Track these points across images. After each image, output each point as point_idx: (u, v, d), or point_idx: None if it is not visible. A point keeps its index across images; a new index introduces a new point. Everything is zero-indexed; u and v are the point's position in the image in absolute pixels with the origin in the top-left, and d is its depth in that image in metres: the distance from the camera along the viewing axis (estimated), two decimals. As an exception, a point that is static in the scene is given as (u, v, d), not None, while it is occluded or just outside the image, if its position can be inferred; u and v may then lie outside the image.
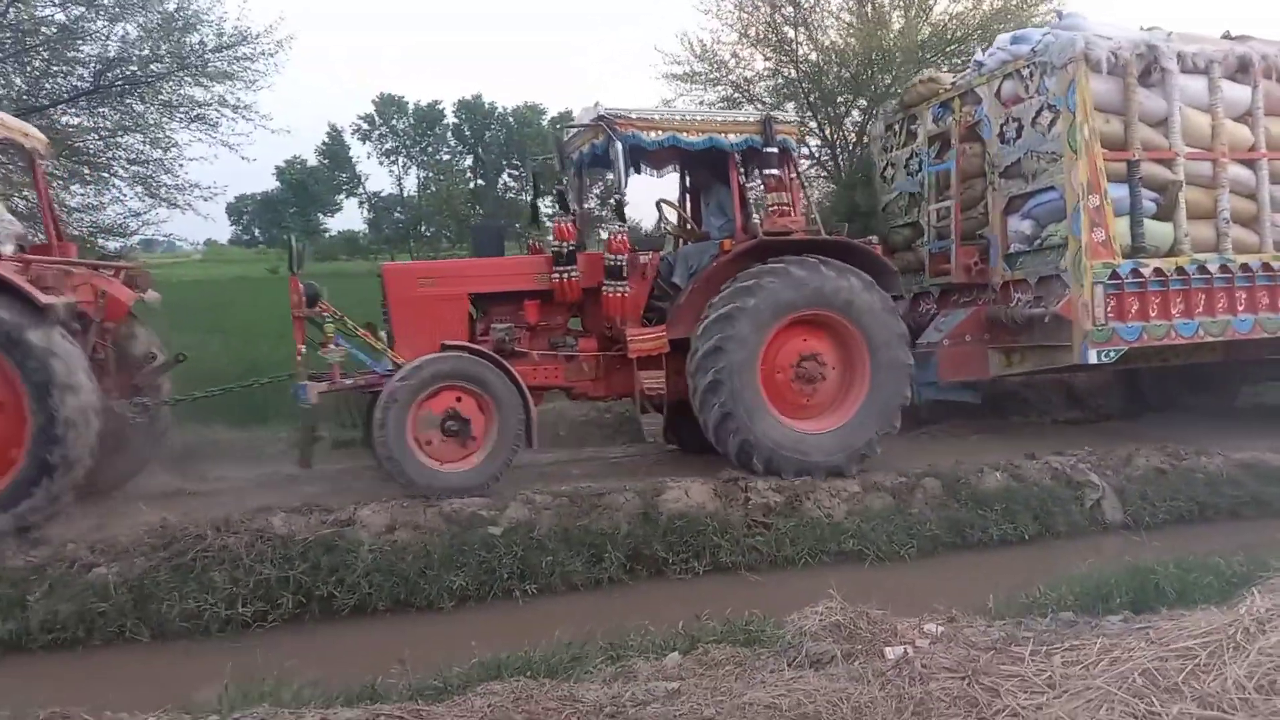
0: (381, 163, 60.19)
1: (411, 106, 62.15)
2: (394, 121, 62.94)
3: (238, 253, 59.07)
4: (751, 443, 7.09)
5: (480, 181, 58.97)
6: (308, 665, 4.65)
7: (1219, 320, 8.28)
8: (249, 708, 3.80)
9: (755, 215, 7.48)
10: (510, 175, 59.03)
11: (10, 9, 9.90)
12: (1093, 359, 7.88)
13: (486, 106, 61.40)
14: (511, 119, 60.39)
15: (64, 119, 11.10)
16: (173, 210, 11.26)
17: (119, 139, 10.88)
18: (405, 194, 58.81)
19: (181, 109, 10.89)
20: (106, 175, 11.01)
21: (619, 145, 7.06)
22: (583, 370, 7.52)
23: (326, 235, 59.31)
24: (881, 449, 7.52)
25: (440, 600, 5.82)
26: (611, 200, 7.24)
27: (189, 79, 10.53)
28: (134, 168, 11.06)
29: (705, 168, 7.93)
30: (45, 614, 5.33)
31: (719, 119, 7.45)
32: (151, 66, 10.31)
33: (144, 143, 10.88)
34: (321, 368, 7.11)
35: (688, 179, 8.62)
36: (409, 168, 61.91)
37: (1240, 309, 8.36)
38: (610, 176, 7.57)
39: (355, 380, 7.06)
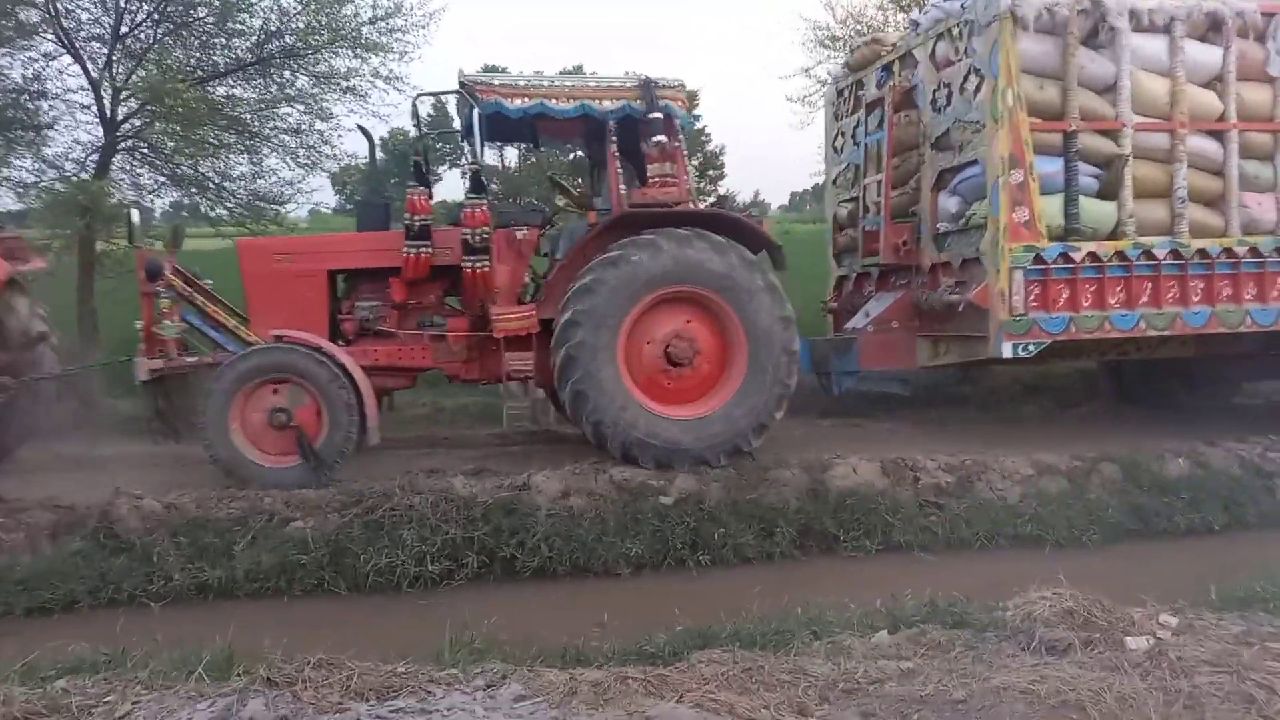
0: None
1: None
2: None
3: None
4: (607, 426, 6.61)
5: (580, 153, 59.34)
6: (502, 625, 4.77)
7: (1165, 313, 7.26)
8: (475, 663, 3.89)
9: (623, 188, 6.93)
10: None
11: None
12: (1007, 353, 7.05)
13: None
14: (613, 90, 60.40)
15: (219, 90, 11.54)
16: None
17: (276, 110, 11.22)
18: (505, 165, 59.61)
19: (334, 80, 11.17)
20: (266, 147, 11.40)
21: (476, 113, 6.73)
22: (452, 351, 7.06)
23: (429, 205, 60.40)
24: (759, 442, 6.85)
25: (617, 566, 5.90)
26: (468, 171, 6.84)
27: (346, 49, 10.80)
28: (285, 137, 11.39)
29: (629, 135, 7.19)
30: (250, 564, 5.61)
31: (591, 85, 6.98)
32: (310, 39, 10.61)
33: (304, 113, 11.21)
34: (206, 345, 6.96)
35: (593, 151, 8.00)
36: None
37: (1195, 300, 7.31)
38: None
39: (200, 359, 6.78)
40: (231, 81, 11.58)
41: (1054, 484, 6.71)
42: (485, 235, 6.79)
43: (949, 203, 7.70)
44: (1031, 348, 7.10)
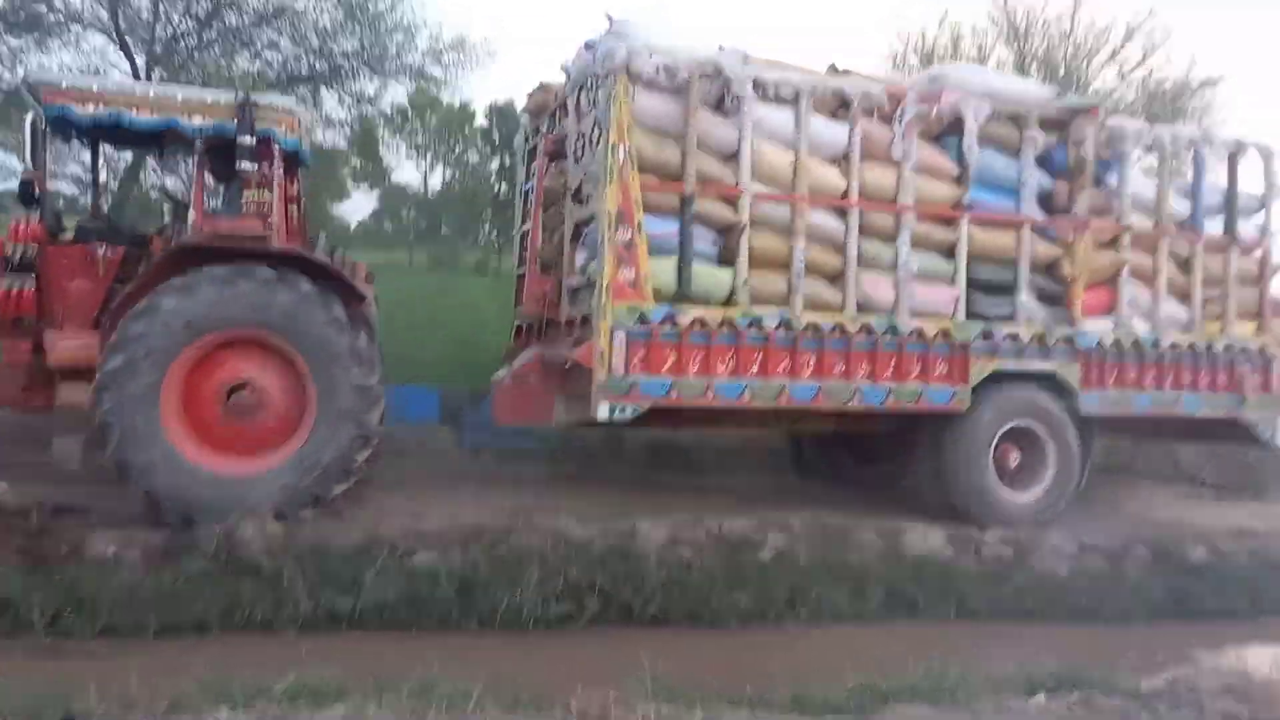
0: (409, 157, 59.99)
1: (444, 105, 62.72)
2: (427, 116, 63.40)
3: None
4: (156, 492, 6.12)
5: (504, 185, 59.40)
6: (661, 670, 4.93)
7: (771, 384, 7.11)
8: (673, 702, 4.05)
9: (191, 213, 6.54)
10: (534, 182, 59.38)
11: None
12: (603, 414, 6.72)
13: (518, 113, 61.49)
14: (541, 126, 60.78)
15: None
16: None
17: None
18: (428, 192, 58.98)
19: (369, 103, 11.20)
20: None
21: (31, 118, 6.30)
22: (12, 375, 6.45)
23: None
24: (343, 488, 6.52)
25: (726, 619, 6.15)
26: (18, 182, 6.38)
27: (404, 78, 10.86)
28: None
29: (224, 157, 6.65)
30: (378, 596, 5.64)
31: (180, 97, 6.54)
32: (363, 63, 10.63)
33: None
34: None
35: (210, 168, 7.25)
36: (435, 165, 62.13)
37: (805, 374, 7.22)
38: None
39: None
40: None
41: (1094, 562, 7.35)
42: (28, 252, 6.35)
43: (579, 257, 7.44)
44: (630, 410, 6.81)
